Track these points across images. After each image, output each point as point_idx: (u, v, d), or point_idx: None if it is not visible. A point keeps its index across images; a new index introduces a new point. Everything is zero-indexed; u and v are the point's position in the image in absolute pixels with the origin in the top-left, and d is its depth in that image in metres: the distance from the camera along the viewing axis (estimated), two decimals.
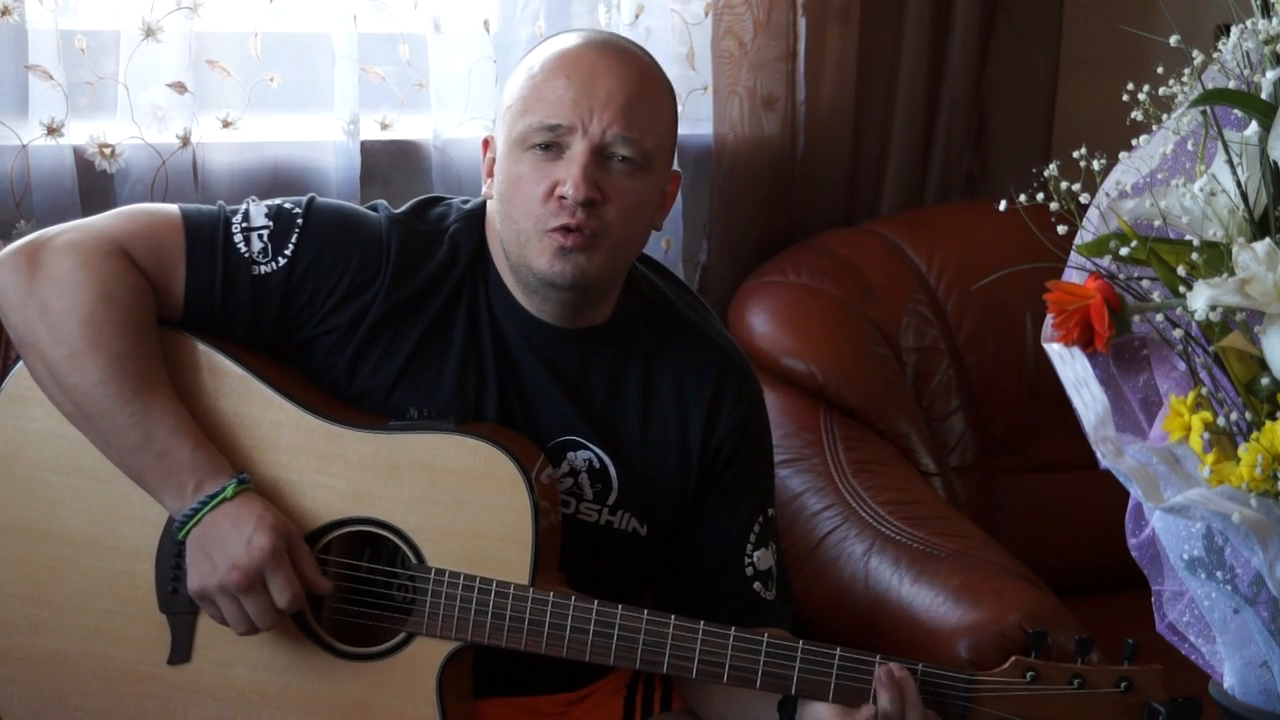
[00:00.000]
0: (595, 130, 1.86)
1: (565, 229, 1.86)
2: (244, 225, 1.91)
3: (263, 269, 1.90)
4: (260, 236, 1.91)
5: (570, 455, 1.97)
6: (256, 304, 1.90)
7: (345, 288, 1.92)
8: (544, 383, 1.96)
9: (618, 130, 1.86)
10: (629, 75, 1.89)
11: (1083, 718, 1.73)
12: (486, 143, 1.98)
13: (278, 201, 1.95)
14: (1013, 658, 1.76)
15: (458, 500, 1.86)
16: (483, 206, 2.01)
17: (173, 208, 1.93)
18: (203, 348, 1.90)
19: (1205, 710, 1.70)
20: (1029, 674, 1.74)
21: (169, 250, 1.89)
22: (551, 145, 1.86)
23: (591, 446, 1.97)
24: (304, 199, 1.96)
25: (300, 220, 1.92)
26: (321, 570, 1.87)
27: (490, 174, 1.96)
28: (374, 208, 2.00)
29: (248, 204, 1.94)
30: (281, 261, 1.91)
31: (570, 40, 1.93)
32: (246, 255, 1.90)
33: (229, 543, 1.80)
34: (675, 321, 2.03)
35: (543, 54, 1.92)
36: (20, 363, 1.90)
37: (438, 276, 1.95)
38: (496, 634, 1.84)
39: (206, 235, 1.90)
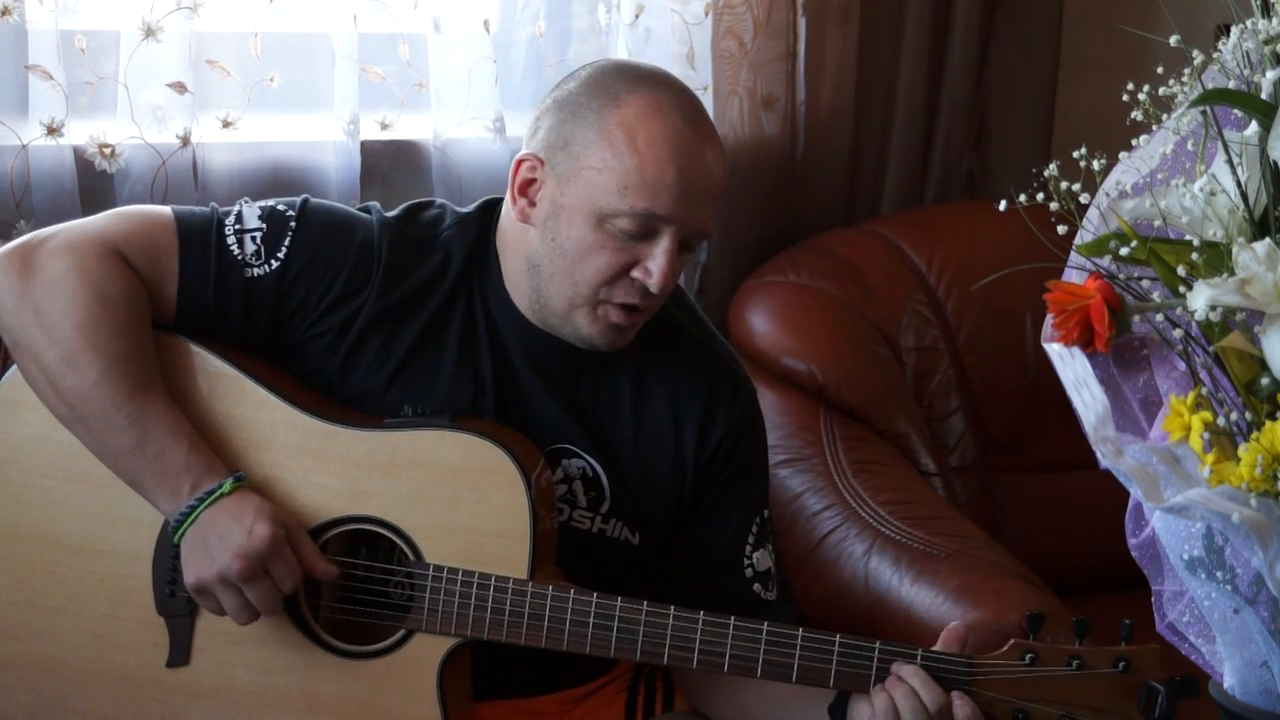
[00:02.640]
0: (692, 225, 1.85)
1: (628, 309, 1.86)
2: (237, 227, 1.91)
3: (255, 271, 1.90)
4: (253, 238, 1.91)
5: (564, 463, 1.96)
6: (249, 306, 1.90)
7: (338, 291, 1.91)
8: (538, 390, 1.96)
9: (700, 225, 1.86)
10: (718, 162, 1.88)
11: (1082, 698, 1.75)
12: (521, 162, 1.89)
13: (271, 203, 1.95)
14: (1011, 640, 1.77)
15: (455, 496, 1.86)
16: (478, 213, 1.99)
17: (165, 209, 1.93)
18: (196, 349, 1.90)
19: (1203, 694, 1.71)
20: (1028, 656, 1.76)
21: (162, 252, 1.88)
22: (640, 231, 1.83)
23: (584, 455, 1.97)
24: (297, 200, 1.95)
25: (293, 223, 1.92)
26: None
27: (525, 195, 1.89)
28: (366, 210, 1.99)
29: (241, 205, 1.94)
30: (274, 264, 1.90)
31: (670, 115, 1.84)
32: (239, 258, 1.90)
33: (230, 534, 1.80)
34: (667, 327, 2.02)
35: (644, 122, 1.82)
36: (12, 368, 1.90)
37: (430, 282, 1.94)
38: (496, 629, 1.84)
39: (199, 237, 1.90)
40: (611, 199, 1.83)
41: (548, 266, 1.88)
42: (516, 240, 1.93)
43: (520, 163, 1.90)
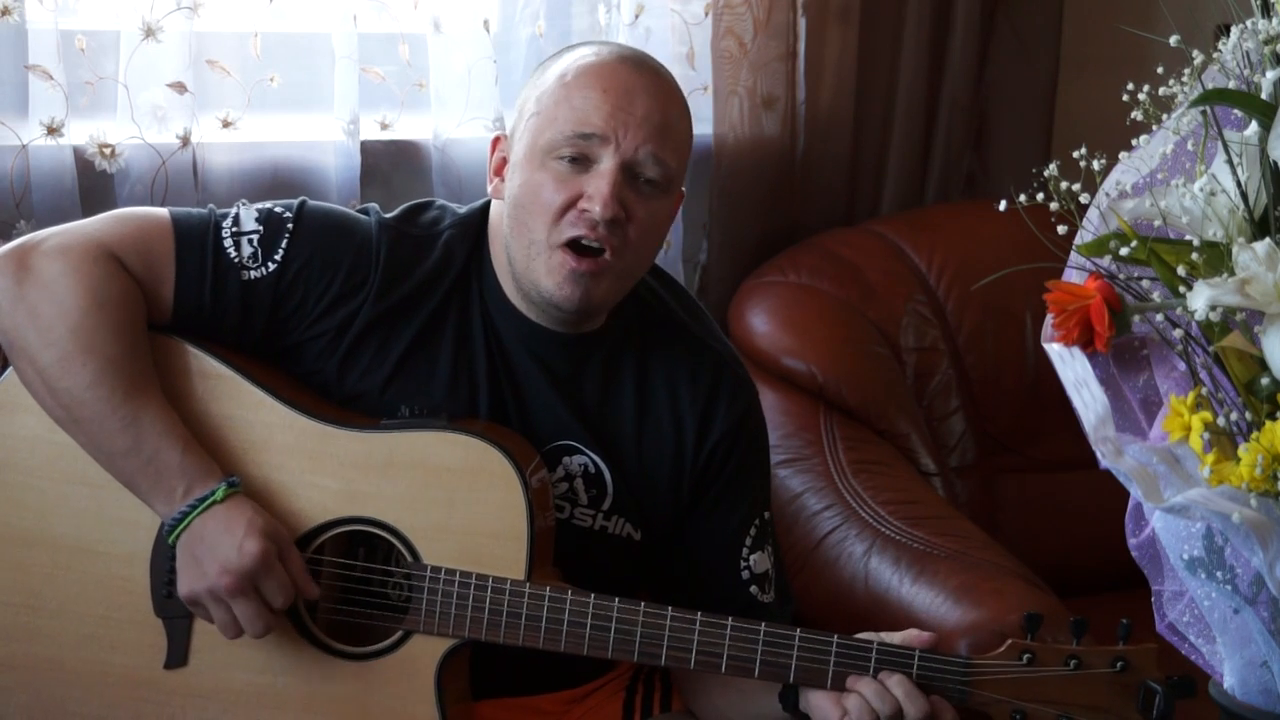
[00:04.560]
0: (628, 146, 1.85)
1: (579, 249, 1.85)
2: (234, 230, 1.91)
3: (252, 274, 1.90)
4: (250, 241, 1.91)
5: (566, 460, 1.96)
6: (245, 309, 1.90)
7: (334, 293, 1.91)
8: (540, 387, 1.96)
9: (650, 149, 1.86)
10: (662, 95, 1.89)
11: (1080, 698, 1.75)
12: (496, 142, 1.97)
13: (268, 205, 1.95)
14: (1009, 640, 1.77)
15: (452, 497, 1.86)
16: (480, 211, 2.00)
17: (163, 211, 1.93)
18: (193, 351, 1.90)
19: (1201, 695, 1.71)
20: (1025, 656, 1.76)
21: (159, 255, 1.88)
22: (579, 157, 1.85)
23: (587, 451, 1.97)
24: (295, 203, 1.95)
25: (290, 225, 1.92)
26: (317, 570, 1.87)
27: (498, 174, 1.94)
28: (365, 211, 1.99)
29: (238, 208, 1.94)
30: (271, 267, 1.90)
31: (602, 53, 1.90)
32: (236, 260, 1.90)
33: (220, 547, 1.80)
34: (670, 325, 2.02)
35: (575, 63, 1.89)
36: (8, 370, 1.90)
37: (429, 281, 1.94)
38: (494, 630, 1.84)
39: (196, 239, 1.90)
40: (547, 135, 1.86)
41: (509, 226, 1.90)
42: (498, 228, 1.94)
43: (494, 144, 1.97)
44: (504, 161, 1.94)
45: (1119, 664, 1.74)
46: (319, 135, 2.61)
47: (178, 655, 1.89)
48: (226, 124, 2.55)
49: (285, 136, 2.61)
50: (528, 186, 1.87)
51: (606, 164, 1.84)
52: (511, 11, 2.76)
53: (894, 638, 1.80)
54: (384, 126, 2.68)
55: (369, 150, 2.63)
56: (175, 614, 1.89)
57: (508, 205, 1.90)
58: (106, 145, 2.46)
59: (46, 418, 1.87)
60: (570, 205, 1.85)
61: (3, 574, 1.92)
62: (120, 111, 2.47)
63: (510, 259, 1.91)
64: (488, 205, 2.00)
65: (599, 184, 1.84)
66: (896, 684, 1.76)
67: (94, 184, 2.47)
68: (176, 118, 2.49)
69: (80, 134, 2.44)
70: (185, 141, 2.49)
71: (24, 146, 2.40)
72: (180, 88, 2.48)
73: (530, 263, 1.88)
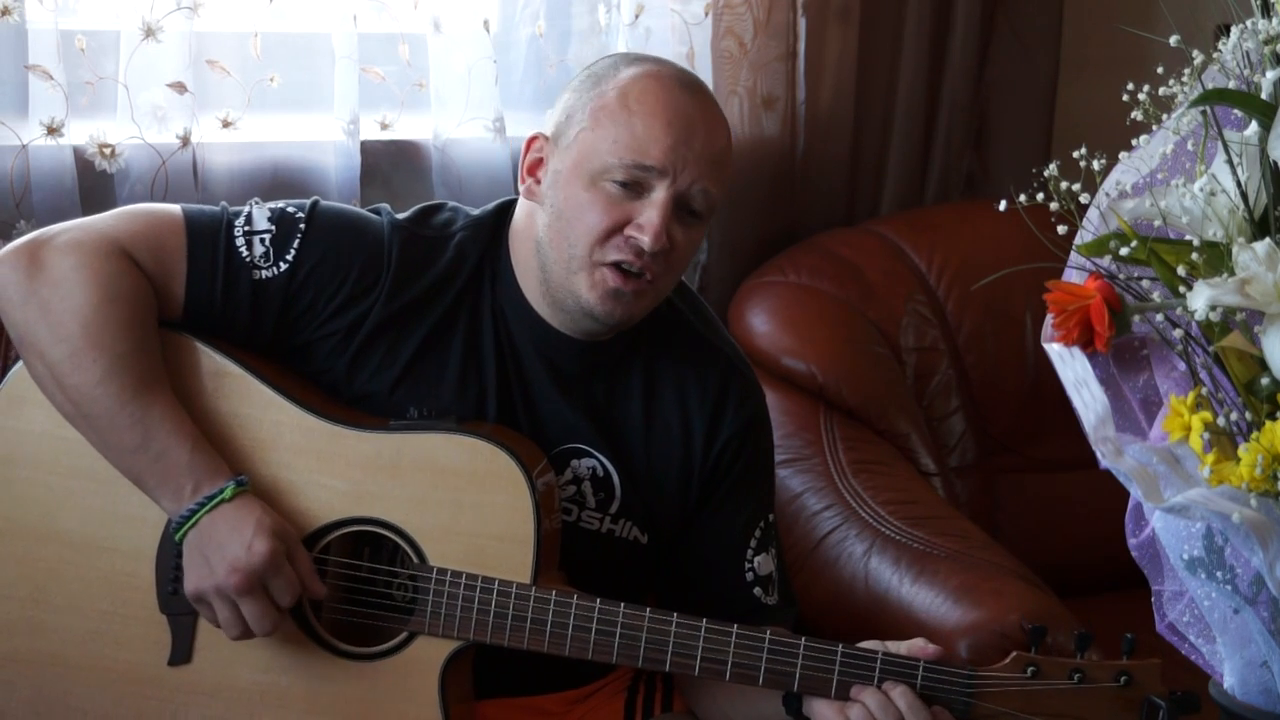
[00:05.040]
0: (684, 182, 1.85)
1: (623, 272, 1.85)
2: (246, 229, 1.91)
3: (264, 274, 1.90)
4: (262, 240, 1.91)
5: (574, 462, 1.96)
6: (257, 308, 1.90)
7: (346, 294, 1.91)
8: (550, 389, 1.96)
9: (702, 185, 1.86)
10: (716, 127, 1.90)
11: (1083, 712, 1.74)
12: (531, 141, 1.94)
13: (281, 204, 1.95)
14: (1014, 653, 1.77)
15: (459, 499, 1.86)
16: (493, 213, 1.99)
17: (175, 208, 1.93)
18: (203, 348, 1.90)
19: (1204, 705, 1.71)
20: (1030, 669, 1.75)
21: (170, 252, 1.88)
22: (631, 183, 1.85)
23: (596, 454, 1.97)
24: (307, 203, 1.95)
25: (303, 225, 1.92)
26: (322, 570, 1.87)
27: (532, 174, 1.93)
28: (377, 211, 1.99)
29: (251, 206, 1.94)
30: (283, 267, 1.90)
31: (663, 77, 1.89)
32: (248, 259, 1.90)
33: (228, 546, 1.80)
34: (679, 328, 2.02)
35: (637, 84, 1.87)
36: (18, 364, 1.90)
37: (440, 283, 1.94)
38: (499, 633, 1.84)
39: (208, 238, 1.90)
40: (603, 155, 1.85)
41: (547, 235, 1.89)
42: (526, 229, 1.94)
43: (530, 142, 1.94)
44: (539, 162, 1.93)
45: (1123, 678, 1.73)
46: (319, 135, 2.61)
47: (182, 652, 1.90)
48: (226, 124, 2.55)
49: (285, 136, 2.61)
50: (574, 203, 1.87)
51: (659, 195, 1.84)
52: (511, 11, 2.76)
53: (899, 648, 1.80)
54: (384, 126, 2.68)
55: (369, 150, 2.63)
56: (180, 611, 1.89)
57: (549, 214, 1.90)
58: (106, 145, 2.46)
59: (55, 412, 1.87)
60: (616, 229, 1.85)
61: (8, 568, 1.92)
62: (120, 111, 2.47)
63: (544, 265, 1.91)
64: (503, 206, 2.00)
65: (650, 215, 1.84)
66: (900, 695, 1.76)
67: (94, 184, 2.47)
68: (176, 118, 2.49)
69: (80, 134, 2.44)
70: (185, 141, 2.49)
71: (24, 146, 2.40)
72: (180, 88, 2.48)
73: (570, 276, 1.88)
